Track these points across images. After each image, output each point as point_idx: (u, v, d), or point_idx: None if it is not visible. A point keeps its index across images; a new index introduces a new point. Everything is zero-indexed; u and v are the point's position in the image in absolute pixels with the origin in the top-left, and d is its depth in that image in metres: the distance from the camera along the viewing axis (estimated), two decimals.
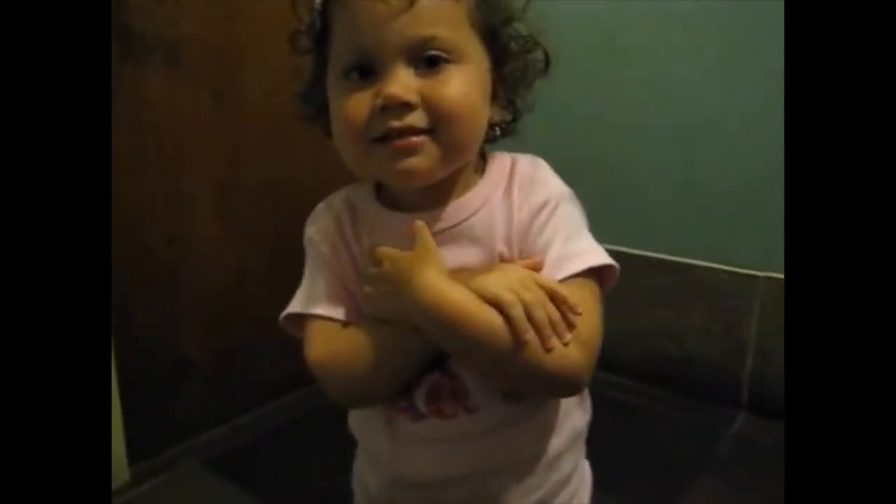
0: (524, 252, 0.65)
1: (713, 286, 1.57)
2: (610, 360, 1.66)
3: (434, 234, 0.62)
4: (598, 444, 1.41)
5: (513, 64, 0.65)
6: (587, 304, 0.61)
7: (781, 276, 1.49)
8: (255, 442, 1.45)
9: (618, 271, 0.67)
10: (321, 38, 0.64)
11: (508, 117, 0.69)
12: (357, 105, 0.60)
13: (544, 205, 0.65)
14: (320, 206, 0.78)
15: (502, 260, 0.65)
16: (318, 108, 0.70)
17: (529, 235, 0.65)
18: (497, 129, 0.68)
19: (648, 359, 1.67)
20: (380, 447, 0.72)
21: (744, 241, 1.53)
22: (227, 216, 1.43)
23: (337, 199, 0.77)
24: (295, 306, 0.74)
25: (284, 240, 1.57)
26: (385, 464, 0.72)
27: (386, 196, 0.71)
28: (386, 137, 0.60)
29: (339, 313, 0.68)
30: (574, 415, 0.75)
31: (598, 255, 0.65)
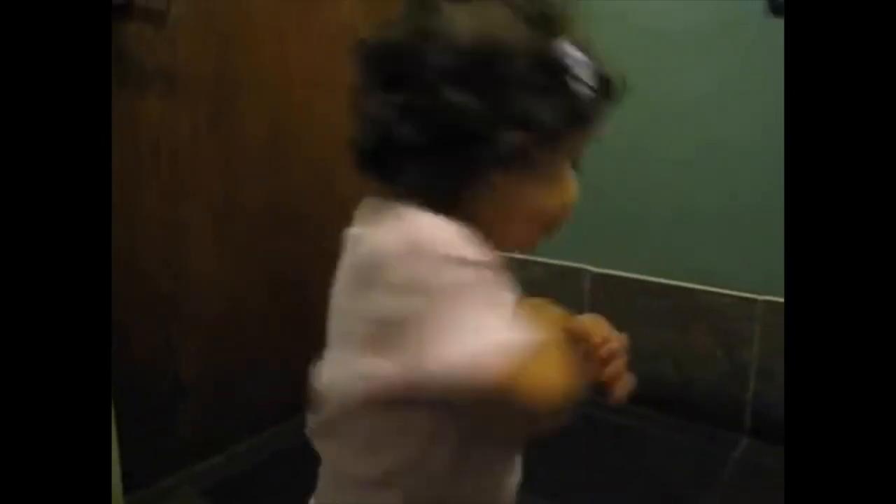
0: None
1: (713, 310, 1.56)
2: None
3: None
4: (599, 467, 1.40)
5: None
6: None
7: (781, 299, 1.49)
8: (253, 470, 1.44)
9: None
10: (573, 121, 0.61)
11: None
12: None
13: None
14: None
15: None
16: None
17: None
18: None
19: (649, 383, 1.65)
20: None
21: (743, 264, 1.53)
22: (224, 240, 1.43)
23: None
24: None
25: (283, 263, 1.57)
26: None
27: None
28: None
29: None
30: None
31: None
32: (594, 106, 0.61)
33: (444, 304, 0.53)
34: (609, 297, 1.64)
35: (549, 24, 0.59)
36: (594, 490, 1.34)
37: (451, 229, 0.56)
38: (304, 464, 1.45)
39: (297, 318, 1.60)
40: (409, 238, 0.55)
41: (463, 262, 0.54)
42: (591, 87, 0.60)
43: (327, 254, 1.68)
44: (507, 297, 0.56)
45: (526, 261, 1.79)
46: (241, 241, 1.47)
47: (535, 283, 1.82)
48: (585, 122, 0.62)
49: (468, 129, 0.58)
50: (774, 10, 1.39)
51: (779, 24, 1.39)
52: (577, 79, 0.59)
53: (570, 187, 0.65)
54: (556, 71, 0.58)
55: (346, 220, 1.85)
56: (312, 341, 1.68)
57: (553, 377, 0.53)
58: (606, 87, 0.62)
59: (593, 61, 0.60)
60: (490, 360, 0.50)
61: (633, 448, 1.49)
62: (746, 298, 1.53)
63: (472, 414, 0.59)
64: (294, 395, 1.62)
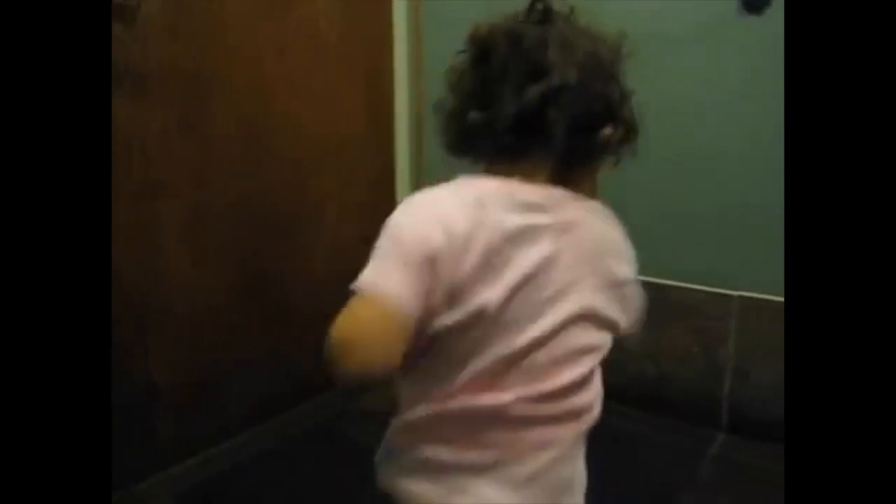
0: None
1: (689, 306, 1.57)
2: None
3: None
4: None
5: None
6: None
7: (756, 294, 1.50)
8: (229, 474, 1.42)
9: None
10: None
11: None
12: None
13: None
14: None
15: None
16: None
17: None
18: None
19: (626, 380, 1.66)
20: None
21: (718, 260, 1.54)
22: (197, 240, 1.41)
23: None
24: None
25: (257, 263, 1.55)
26: None
27: None
28: None
29: None
30: None
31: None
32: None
33: None
34: None
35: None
36: None
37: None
38: (281, 467, 1.44)
39: (272, 318, 1.59)
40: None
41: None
42: None
43: (301, 253, 1.68)
44: None
45: None
46: (214, 241, 1.45)
47: None
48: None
49: (600, 117, 0.71)
50: (747, 7, 1.40)
51: (752, 22, 1.41)
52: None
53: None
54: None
55: (320, 217, 1.85)
56: (288, 342, 1.68)
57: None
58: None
59: None
60: None
61: (609, 445, 1.48)
62: (722, 294, 1.53)
63: None
64: (270, 396, 1.62)
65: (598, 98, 0.71)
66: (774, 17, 1.38)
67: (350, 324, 0.69)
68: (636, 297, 0.80)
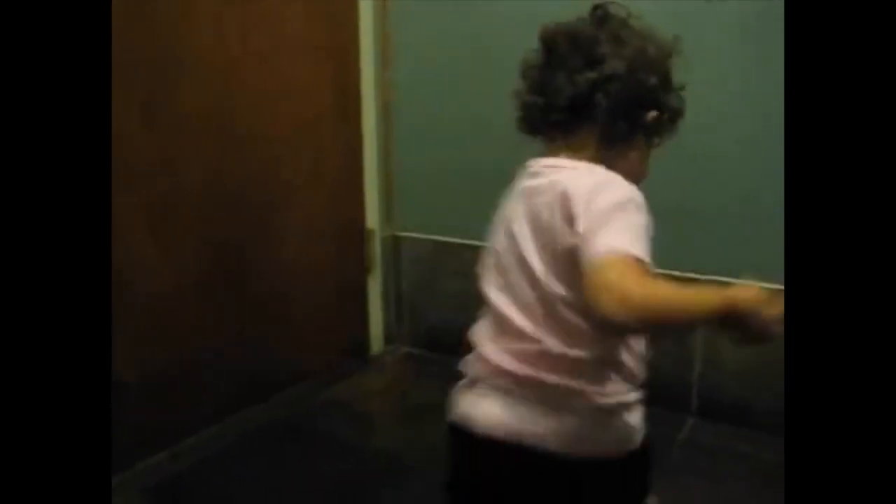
0: None
1: None
2: None
3: None
4: None
5: None
6: None
7: (725, 279, 1.51)
8: (198, 467, 1.40)
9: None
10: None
11: None
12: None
13: None
14: None
15: None
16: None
17: None
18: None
19: None
20: None
21: (686, 245, 1.55)
22: (162, 231, 1.38)
23: None
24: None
25: (228, 250, 1.52)
26: None
27: None
28: None
29: None
30: None
31: None
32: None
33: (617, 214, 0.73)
34: None
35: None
36: None
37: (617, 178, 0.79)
38: (248, 461, 1.42)
39: (240, 312, 1.56)
40: (601, 180, 0.78)
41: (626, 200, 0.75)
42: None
43: (273, 238, 1.65)
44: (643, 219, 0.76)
45: (484, 247, 1.78)
46: (182, 229, 1.42)
47: None
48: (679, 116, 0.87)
49: (643, 103, 0.82)
50: None
51: (719, 7, 1.41)
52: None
53: (648, 163, 0.88)
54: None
55: (291, 202, 1.81)
56: (260, 331, 1.65)
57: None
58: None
59: None
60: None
61: None
62: (691, 279, 1.54)
63: None
64: (238, 390, 1.59)
65: (642, 87, 0.81)
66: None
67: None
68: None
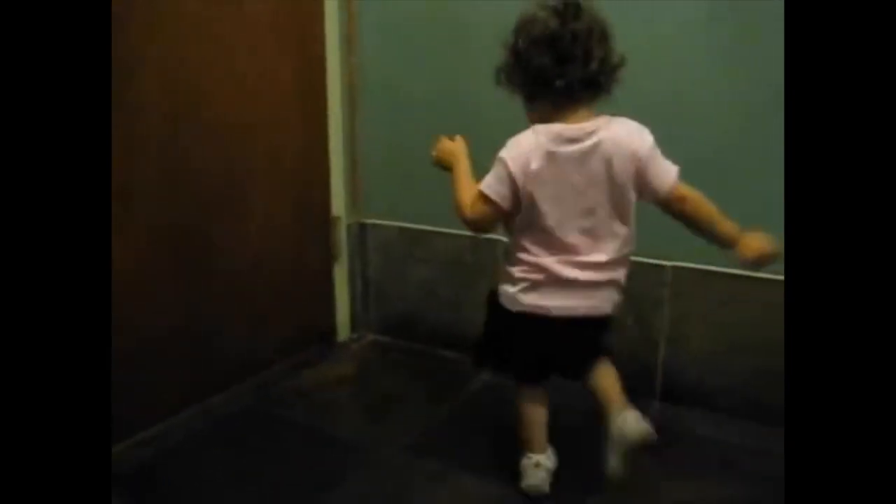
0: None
1: None
2: None
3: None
4: (516, 442, 1.41)
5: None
6: None
7: (688, 264, 1.52)
8: (161, 455, 1.38)
9: None
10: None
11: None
12: None
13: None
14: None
15: None
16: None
17: None
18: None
19: None
20: None
21: (650, 231, 1.55)
22: (121, 223, 1.35)
23: None
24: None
25: (189, 238, 1.50)
26: None
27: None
28: None
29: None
30: None
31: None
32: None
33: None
34: None
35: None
36: (505, 456, 1.34)
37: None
38: (213, 448, 1.41)
39: (202, 298, 1.54)
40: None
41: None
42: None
43: (232, 230, 1.62)
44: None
45: (450, 234, 1.78)
46: (139, 222, 1.39)
47: (454, 252, 1.81)
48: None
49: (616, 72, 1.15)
50: None
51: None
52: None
53: None
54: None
55: (250, 194, 1.79)
56: (218, 323, 1.63)
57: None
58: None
59: None
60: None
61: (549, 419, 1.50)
62: (655, 265, 1.55)
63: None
64: (202, 377, 1.58)
65: (615, 63, 1.13)
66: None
67: (477, 211, 1.19)
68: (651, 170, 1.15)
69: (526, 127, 1.16)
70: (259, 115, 1.63)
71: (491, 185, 1.16)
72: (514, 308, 1.22)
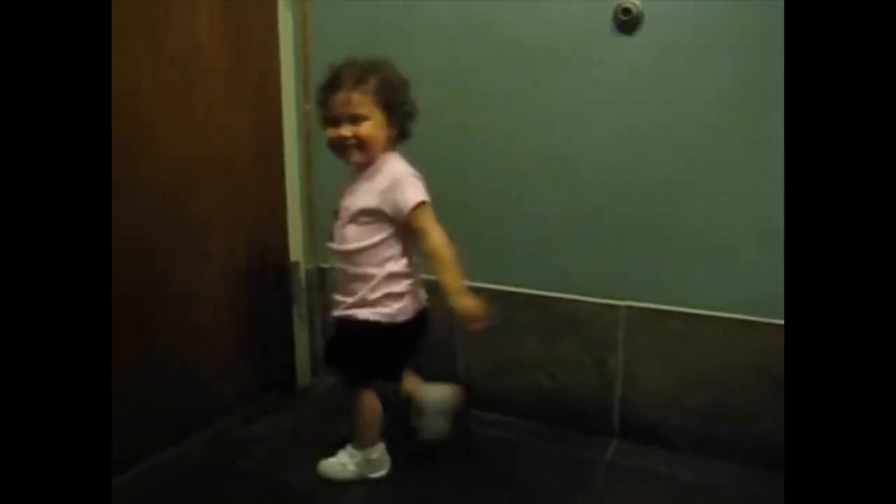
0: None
1: (578, 318, 1.61)
2: (489, 397, 1.67)
3: (361, 181, 1.40)
4: (478, 481, 1.40)
5: (397, 116, 1.39)
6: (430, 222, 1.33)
7: (642, 304, 1.55)
8: None
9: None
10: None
11: (395, 138, 1.41)
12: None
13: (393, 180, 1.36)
14: None
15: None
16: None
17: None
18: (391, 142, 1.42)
19: (522, 394, 1.68)
20: None
21: (603, 272, 1.58)
22: None
23: None
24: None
25: (138, 287, 1.46)
26: None
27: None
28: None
29: None
30: None
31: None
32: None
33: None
34: None
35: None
36: (471, 502, 1.34)
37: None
38: (167, 499, 1.38)
39: (156, 349, 1.52)
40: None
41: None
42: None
43: (185, 276, 1.59)
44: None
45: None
46: None
47: None
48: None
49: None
50: (620, 28, 1.46)
51: (626, 41, 1.46)
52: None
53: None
54: None
55: (192, 243, 1.78)
56: (174, 371, 1.59)
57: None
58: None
59: None
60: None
61: (509, 458, 1.51)
62: (609, 305, 1.58)
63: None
64: (159, 426, 1.53)
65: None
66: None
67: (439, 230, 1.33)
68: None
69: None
70: (212, 163, 1.62)
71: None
72: (399, 319, 1.37)
